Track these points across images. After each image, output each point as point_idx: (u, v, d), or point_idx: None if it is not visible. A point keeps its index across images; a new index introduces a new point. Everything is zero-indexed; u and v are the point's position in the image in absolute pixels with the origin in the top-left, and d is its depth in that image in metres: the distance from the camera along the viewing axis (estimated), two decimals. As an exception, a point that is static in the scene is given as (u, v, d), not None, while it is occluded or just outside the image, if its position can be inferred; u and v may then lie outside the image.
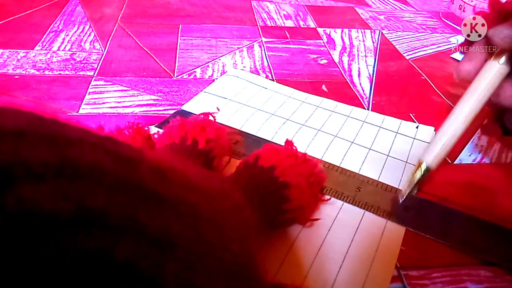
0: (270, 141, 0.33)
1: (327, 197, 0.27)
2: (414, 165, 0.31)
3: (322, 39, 0.53)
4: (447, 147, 0.25)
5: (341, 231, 0.25)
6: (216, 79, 0.42)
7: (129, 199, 0.10)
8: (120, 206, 0.10)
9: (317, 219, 0.25)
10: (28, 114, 0.11)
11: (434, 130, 0.36)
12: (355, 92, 0.42)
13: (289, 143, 0.26)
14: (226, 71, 0.43)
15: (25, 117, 0.10)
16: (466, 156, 0.33)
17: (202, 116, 0.28)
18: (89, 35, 0.50)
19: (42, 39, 0.47)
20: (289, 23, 0.58)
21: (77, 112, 0.35)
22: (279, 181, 0.23)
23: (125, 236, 0.10)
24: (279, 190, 0.23)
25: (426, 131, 0.36)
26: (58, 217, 0.09)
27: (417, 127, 0.36)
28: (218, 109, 0.35)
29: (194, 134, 0.26)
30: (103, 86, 0.39)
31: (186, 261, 0.11)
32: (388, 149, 0.33)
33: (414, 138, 0.35)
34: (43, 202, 0.09)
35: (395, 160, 0.32)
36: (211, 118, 0.29)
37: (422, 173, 0.25)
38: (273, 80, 0.42)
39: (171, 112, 0.36)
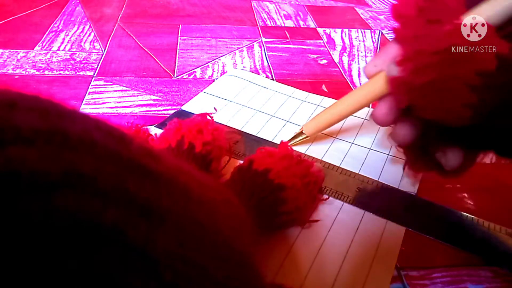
0: (270, 142, 0.33)
1: (325, 196, 0.27)
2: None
3: (322, 39, 0.53)
4: (326, 123, 0.29)
5: (341, 232, 0.25)
6: (216, 79, 0.42)
7: (119, 169, 0.10)
8: (109, 174, 0.10)
9: (316, 221, 0.25)
10: (21, 92, 0.11)
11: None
12: (355, 92, 0.42)
13: (284, 144, 0.26)
14: (226, 71, 0.43)
15: (18, 93, 0.11)
16: (466, 156, 0.33)
17: (199, 117, 0.28)
18: (89, 35, 0.50)
19: (42, 39, 0.47)
20: (289, 23, 0.58)
21: (77, 112, 0.35)
22: (274, 184, 0.23)
23: (114, 202, 0.10)
24: (274, 192, 0.23)
25: (426, 131, 0.36)
26: (47, 178, 0.09)
27: (417, 127, 0.36)
28: (215, 109, 0.35)
29: (191, 138, 0.26)
30: (103, 86, 0.39)
31: (177, 236, 0.11)
32: (388, 148, 0.33)
33: (414, 138, 0.35)
34: (32, 163, 0.09)
35: (395, 160, 0.32)
36: (208, 118, 0.29)
37: (300, 136, 0.31)
38: (273, 80, 0.42)
39: (171, 112, 0.36)
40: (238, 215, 0.19)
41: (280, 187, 0.23)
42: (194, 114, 0.30)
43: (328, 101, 0.39)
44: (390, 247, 0.24)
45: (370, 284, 0.22)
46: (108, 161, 0.10)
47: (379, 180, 0.29)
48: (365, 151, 0.32)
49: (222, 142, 0.28)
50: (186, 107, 0.36)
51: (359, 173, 0.30)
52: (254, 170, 0.24)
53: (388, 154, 0.32)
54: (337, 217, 0.26)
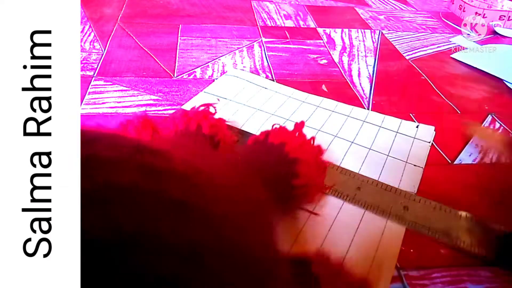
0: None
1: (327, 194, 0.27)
2: (414, 165, 0.31)
3: (322, 39, 0.53)
4: None
5: (341, 231, 0.25)
6: (216, 79, 0.42)
7: (161, 220, 0.11)
8: (153, 227, 0.10)
9: (317, 213, 0.26)
10: None
11: (434, 130, 0.36)
12: (355, 92, 0.42)
13: (299, 125, 0.27)
14: (226, 71, 0.43)
15: None
16: (466, 156, 0.33)
17: (203, 107, 0.29)
18: (89, 35, 0.50)
19: (42, 39, 0.47)
20: (289, 23, 0.58)
21: (77, 112, 0.35)
22: (290, 157, 0.24)
23: (162, 255, 0.10)
24: (289, 165, 0.23)
25: (426, 130, 0.36)
26: (102, 242, 0.09)
27: (417, 127, 0.36)
28: (218, 100, 0.35)
29: (198, 121, 0.26)
30: (103, 86, 0.39)
31: (217, 275, 0.11)
32: (388, 149, 0.33)
33: (414, 138, 0.35)
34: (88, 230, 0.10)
35: (395, 160, 0.32)
36: (212, 109, 0.29)
37: None
38: (273, 80, 0.42)
39: (171, 112, 0.36)
40: (265, 213, 0.18)
41: (295, 161, 0.24)
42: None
43: (328, 102, 0.39)
44: (390, 247, 0.24)
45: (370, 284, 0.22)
46: (151, 211, 0.11)
47: (379, 180, 0.29)
48: (365, 151, 0.32)
49: (225, 130, 0.28)
50: (186, 107, 0.36)
51: (359, 173, 0.30)
52: (270, 143, 0.24)
53: (388, 155, 0.32)
54: (337, 217, 0.26)
